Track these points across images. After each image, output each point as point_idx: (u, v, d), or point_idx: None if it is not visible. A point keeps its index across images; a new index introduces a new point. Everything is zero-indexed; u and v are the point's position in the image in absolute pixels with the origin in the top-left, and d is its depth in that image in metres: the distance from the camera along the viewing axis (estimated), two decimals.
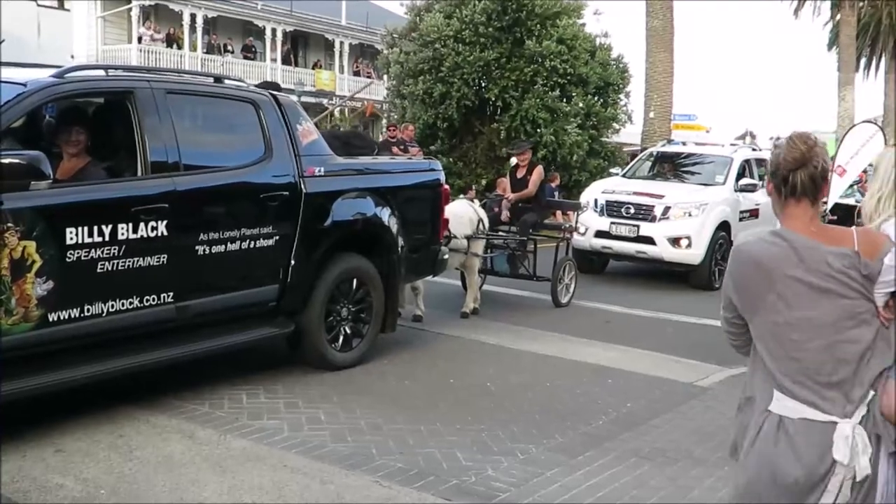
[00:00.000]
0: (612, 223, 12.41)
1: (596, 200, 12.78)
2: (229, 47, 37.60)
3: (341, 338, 6.82)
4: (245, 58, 37.94)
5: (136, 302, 5.34)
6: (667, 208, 12.18)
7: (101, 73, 5.58)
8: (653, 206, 12.24)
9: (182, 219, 5.53)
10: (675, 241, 12.06)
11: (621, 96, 22.25)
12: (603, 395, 6.71)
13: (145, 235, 5.31)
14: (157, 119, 5.49)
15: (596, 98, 21.14)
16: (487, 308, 9.93)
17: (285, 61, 39.58)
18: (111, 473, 4.65)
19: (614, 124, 22.09)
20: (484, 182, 20.20)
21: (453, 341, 8.24)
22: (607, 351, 8.22)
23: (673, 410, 6.40)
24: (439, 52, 20.01)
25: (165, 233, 5.42)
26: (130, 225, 5.22)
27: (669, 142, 15.85)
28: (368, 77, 38.72)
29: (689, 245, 12.04)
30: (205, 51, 36.41)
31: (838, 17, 38.29)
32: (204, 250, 5.68)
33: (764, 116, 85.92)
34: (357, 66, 42.98)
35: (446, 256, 8.07)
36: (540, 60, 19.80)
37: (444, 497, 4.56)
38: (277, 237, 6.17)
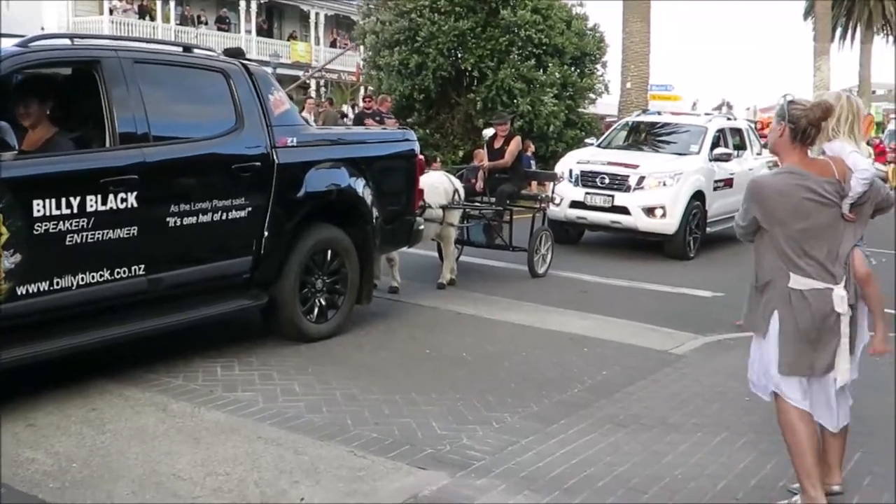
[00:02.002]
0: (587, 193, 12.41)
1: (571, 171, 12.76)
2: (203, 18, 37.18)
3: (316, 309, 6.79)
4: (219, 29, 37.53)
5: (106, 275, 5.28)
6: (641, 178, 12.18)
7: (67, 41, 5.48)
8: (627, 176, 12.24)
9: (152, 190, 5.47)
10: (649, 211, 12.07)
11: (598, 66, 22.22)
12: (579, 363, 6.73)
13: (115, 207, 5.25)
14: (125, 89, 5.41)
15: (572, 68, 21.08)
16: (464, 279, 9.92)
17: (260, 32, 39.22)
18: (83, 447, 4.62)
19: (591, 94, 22.06)
20: (461, 153, 20.14)
21: (430, 312, 8.24)
22: (583, 320, 8.24)
23: (648, 378, 6.43)
24: (415, 21, 19.83)
25: (135, 204, 5.36)
26: (99, 197, 5.16)
27: (644, 111, 15.83)
28: (345, 48, 38.38)
29: (663, 215, 12.05)
30: (178, 22, 36.02)
31: None
32: (175, 222, 5.62)
33: (741, 86, 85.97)
34: (333, 37, 42.63)
35: (421, 227, 8.04)
36: (515, 30, 19.67)
37: (418, 465, 4.57)
38: (250, 208, 6.12)
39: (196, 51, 6.16)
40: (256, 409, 5.29)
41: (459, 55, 20.18)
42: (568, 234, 13.26)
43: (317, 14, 41.59)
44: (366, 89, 22.02)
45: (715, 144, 13.37)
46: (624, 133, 14.59)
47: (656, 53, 23.78)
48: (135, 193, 5.34)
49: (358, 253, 7.04)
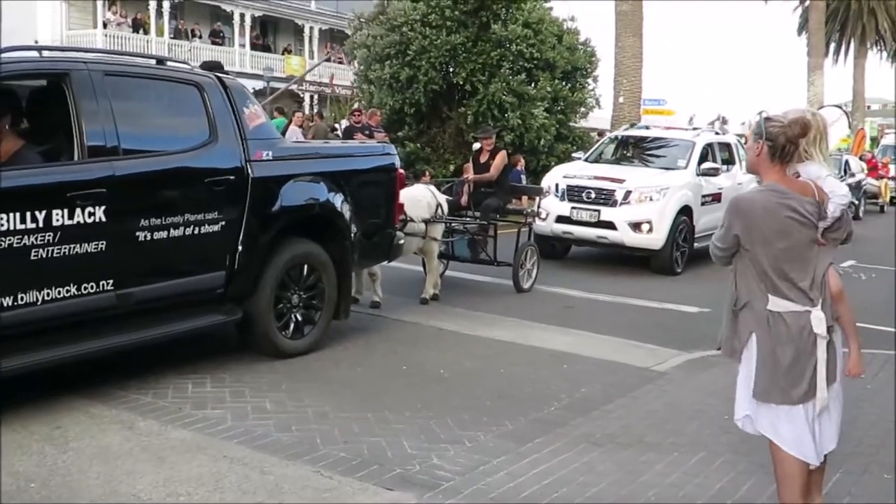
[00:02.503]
0: (573, 208, 12.34)
1: (557, 185, 12.70)
2: (197, 32, 37.17)
3: (292, 325, 6.70)
4: (213, 43, 37.55)
5: (73, 290, 5.19)
6: (628, 192, 12.12)
7: (35, 54, 5.41)
8: (613, 191, 12.18)
9: (121, 204, 5.38)
10: (635, 226, 12.01)
11: (589, 81, 22.20)
12: (557, 380, 6.64)
13: (82, 221, 5.16)
14: (95, 102, 5.33)
15: (563, 83, 21.07)
16: (448, 293, 9.85)
17: (254, 47, 39.22)
18: (43, 466, 4.52)
19: (582, 109, 22.04)
20: (452, 167, 20.08)
21: (410, 327, 8.15)
22: (566, 336, 8.16)
23: (627, 395, 6.34)
24: (406, 35, 19.83)
25: (104, 218, 5.27)
26: (66, 211, 5.08)
27: (632, 125, 15.79)
28: (340, 62, 38.42)
29: (650, 230, 11.99)
30: (172, 36, 36.02)
31: (807, 1, 38.48)
32: (145, 236, 5.54)
33: (736, 102, 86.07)
34: (328, 52, 42.67)
35: (402, 241, 7.96)
36: (506, 45, 19.69)
37: (385, 486, 4.47)
38: (223, 223, 6.04)
39: (169, 63, 6.09)
40: (224, 428, 5.19)
41: (451, 69, 20.17)
42: (554, 249, 13.21)
43: (311, 28, 41.64)
44: (358, 103, 21.95)
45: (703, 159, 13.33)
46: (612, 147, 14.54)
47: (649, 68, 23.83)
48: (103, 207, 5.26)
49: (336, 268, 6.96)
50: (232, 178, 6.09)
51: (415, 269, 10.32)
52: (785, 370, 3.68)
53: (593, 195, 12.33)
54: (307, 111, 29.38)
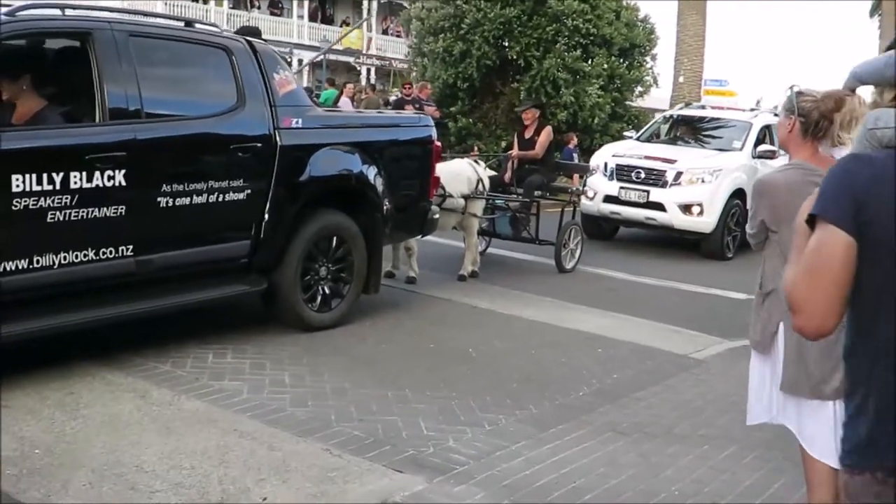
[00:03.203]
0: (622, 188, 12.02)
1: (606, 164, 12.38)
2: (256, 3, 37.25)
3: (319, 297, 6.56)
4: (272, 13, 37.62)
5: (91, 255, 5.10)
6: (679, 173, 11.76)
7: (57, 12, 5.30)
8: (664, 171, 11.83)
9: (142, 169, 5.27)
10: (686, 208, 11.66)
11: (647, 59, 21.68)
12: (590, 364, 6.41)
13: (101, 185, 5.06)
14: (118, 63, 5.21)
15: (620, 60, 20.58)
16: (489, 271, 9.65)
17: (312, 18, 39.17)
18: (51, 432, 4.44)
19: (639, 87, 21.54)
20: (504, 144, 19.79)
21: (443, 304, 7.97)
22: (604, 319, 7.91)
23: (661, 383, 6.10)
24: (460, 8, 19.54)
25: (124, 183, 5.16)
26: (84, 174, 4.97)
27: (687, 105, 15.35)
28: (398, 36, 38.20)
29: (700, 212, 11.64)
30: (231, 6, 36.14)
31: None
32: (167, 203, 5.43)
33: (802, 85, 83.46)
34: (386, 24, 42.48)
35: (436, 216, 7.76)
36: (562, 19, 19.26)
37: (396, 468, 4.30)
38: (249, 191, 5.91)
39: (198, 26, 5.95)
40: (239, 400, 5.07)
41: (505, 43, 19.83)
42: (602, 230, 12.92)
43: (369, 0, 41.43)
44: (403, 76, 21.75)
45: (760, 141, 12.88)
46: (665, 127, 14.16)
47: (712, 47, 23.11)
48: (123, 171, 5.15)
49: (366, 240, 6.80)
50: (259, 145, 5.95)
51: (457, 245, 10.12)
52: (814, 362, 3.39)
53: (643, 175, 11.99)
54: (364, 84, 29.14)
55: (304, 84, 32.52)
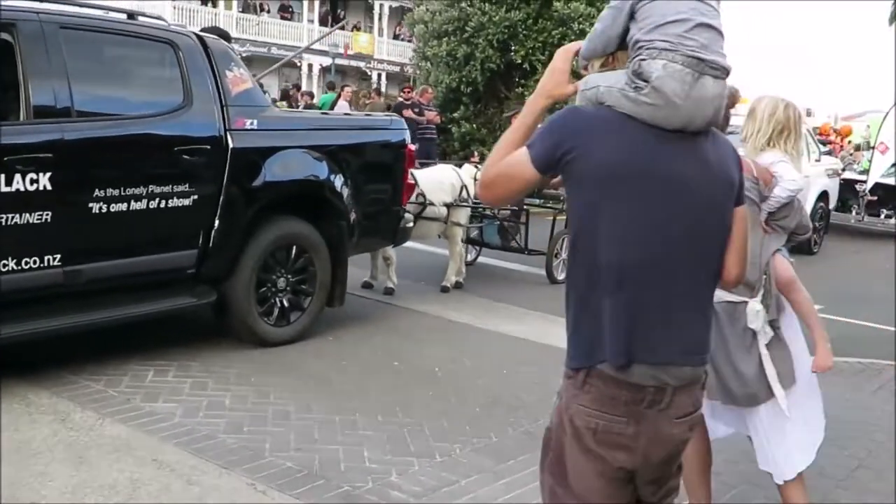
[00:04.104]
0: None
1: None
2: (266, 7, 36.97)
3: (276, 310, 6.13)
4: (282, 18, 37.32)
5: (11, 265, 4.69)
6: None
7: None
8: None
9: (71, 172, 4.86)
10: None
11: None
12: None
13: (22, 189, 4.65)
14: (45, 56, 4.81)
15: None
16: (475, 282, 9.20)
17: (323, 22, 38.83)
18: None
19: None
20: None
21: (418, 318, 7.52)
22: None
23: None
24: (465, 11, 19.15)
25: (49, 187, 4.75)
26: (3, 176, 4.56)
27: None
28: (409, 41, 37.83)
29: None
30: (240, 10, 35.88)
31: None
32: (100, 209, 5.01)
33: (822, 94, 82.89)
34: (398, 30, 42.11)
35: (410, 224, 7.31)
36: (569, 23, 18.82)
37: None
38: (196, 196, 5.49)
39: (141, 18, 5.54)
40: (169, 425, 4.64)
41: (510, 47, 19.41)
42: None
43: (381, 5, 41.11)
44: (413, 80, 21.35)
45: None
46: None
47: (730, 56, 22.59)
48: (49, 175, 4.74)
49: (329, 250, 6.37)
50: (207, 147, 5.53)
51: (445, 254, 9.67)
52: (723, 370, 3.39)
53: None
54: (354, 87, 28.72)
55: (313, 88, 32.25)
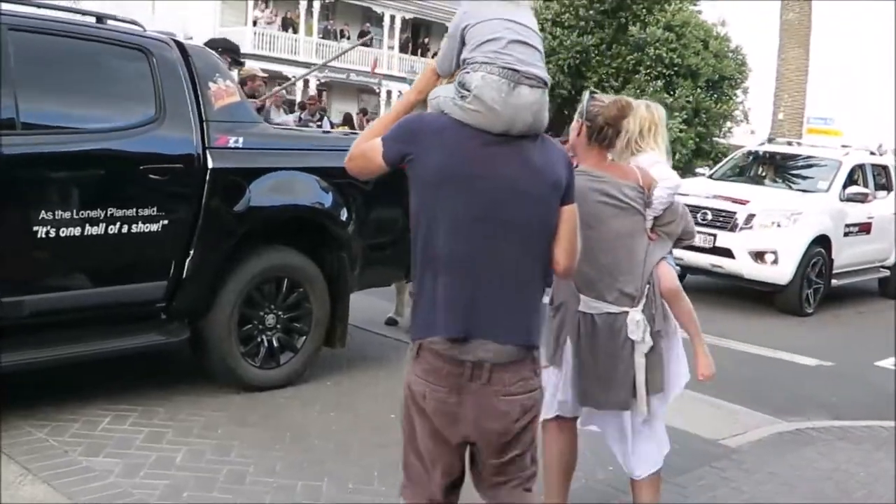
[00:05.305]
0: None
1: None
2: (346, 33, 36.96)
3: (263, 351, 5.48)
4: (362, 44, 37.23)
5: None
6: (750, 216, 10.29)
7: None
8: (734, 213, 10.37)
9: (9, 191, 4.30)
10: (758, 256, 10.16)
11: (738, 92, 20.10)
12: (580, 448, 5.10)
13: None
14: None
15: (708, 93, 19.09)
16: None
17: (403, 49, 38.71)
18: None
19: (727, 123, 19.97)
20: None
21: None
22: None
23: (670, 481, 4.75)
24: None
25: None
26: None
27: (770, 141, 13.79)
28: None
29: (774, 261, 10.12)
30: (321, 35, 35.93)
31: None
32: (46, 233, 4.42)
33: None
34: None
35: None
36: (645, 48, 17.97)
37: None
38: (166, 222, 4.87)
39: (112, 23, 4.99)
40: (99, 486, 4.00)
41: (582, 72, 18.64)
42: None
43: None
44: None
45: (851, 182, 11.31)
46: (743, 164, 12.67)
47: (816, 84, 21.40)
48: None
49: (328, 284, 5.70)
50: (180, 166, 4.93)
51: None
52: (598, 379, 3.45)
53: (710, 216, 10.54)
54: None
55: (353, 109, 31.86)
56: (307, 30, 35.43)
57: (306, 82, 32.80)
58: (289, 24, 35.13)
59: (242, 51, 32.02)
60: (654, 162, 3.61)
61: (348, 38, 36.93)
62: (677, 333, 3.69)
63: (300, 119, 17.03)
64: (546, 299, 3.04)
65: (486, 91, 2.44)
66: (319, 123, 15.66)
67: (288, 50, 34.20)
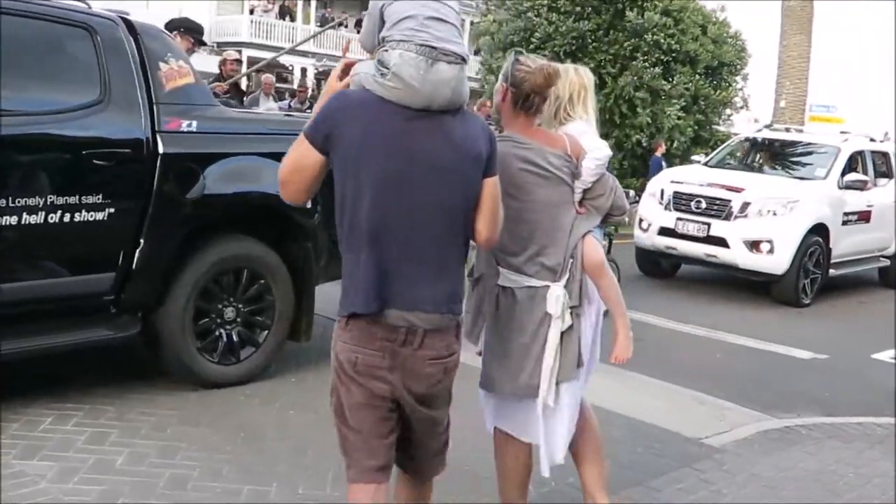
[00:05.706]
0: (679, 219, 10.31)
1: (662, 191, 10.69)
2: (343, 22, 36.57)
3: (221, 346, 5.21)
4: (358, 33, 36.90)
5: None
6: (745, 204, 9.99)
7: None
8: (729, 201, 10.07)
9: None
10: (753, 245, 9.87)
11: (737, 79, 19.73)
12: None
13: None
14: None
15: (706, 79, 18.73)
16: None
17: None
18: None
19: (727, 110, 19.60)
20: None
21: None
22: (607, 379, 6.18)
23: (643, 484, 4.50)
24: (531, 21, 18.11)
25: None
26: None
27: (767, 127, 13.47)
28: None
29: (770, 250, 9.82)
30: (318, 24, 35.57)
31: None
32: None
33: None
34: (478, 45, 41.32)
35: None
36: (642, 34, 17.58)
37: None
38: (112, 210, 4.60)
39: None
40: (28, 492, 3.74)
41: (578, 58, 18.27)
42: (659, 266, 11.24)
43: (462, 21, 40.35)
44: (490, 96, 20.40)
45: (850, 169, 11.00)
46: (740, 151, 12.37)
47: (818, 71, 21.02)
48: None
49: (292, 276, 5.43)
50: (127, 151, 4.65)
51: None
52: (513, 357, 3.23)
53: (704, 205, 10.26)
54: None
55: None
56: (304, 18, 35.09)
57: (304, 70, 32.48)
58: (286, 13, 34.82)
59: (240, 39, 31.57)
60: (582, 132, 3.42)
61: (346, 27, 36.53)
62: (598, 313, 3.50)
63: (289, 107, 16.78)
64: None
65: (404, 69, 2.47)
66: (308, 111, 15.38)
67: (285, 38, 33.86)
